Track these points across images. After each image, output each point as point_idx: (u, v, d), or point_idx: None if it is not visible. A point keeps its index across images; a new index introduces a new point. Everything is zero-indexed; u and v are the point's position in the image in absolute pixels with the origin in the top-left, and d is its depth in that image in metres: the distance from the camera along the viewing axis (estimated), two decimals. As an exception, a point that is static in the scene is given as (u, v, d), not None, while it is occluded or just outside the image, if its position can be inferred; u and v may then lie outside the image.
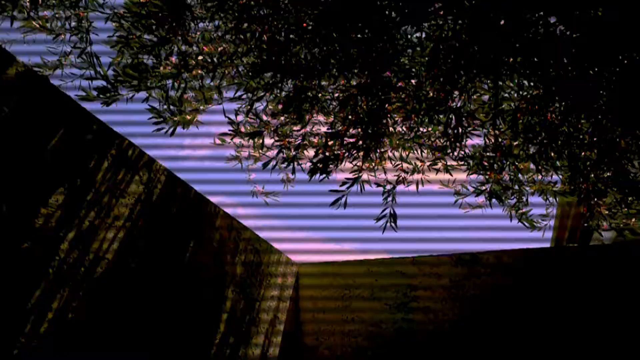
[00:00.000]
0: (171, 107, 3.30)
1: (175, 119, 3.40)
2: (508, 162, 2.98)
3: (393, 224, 3.06)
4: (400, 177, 3.40)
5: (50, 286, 2.63)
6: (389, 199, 3.30)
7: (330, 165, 3.07)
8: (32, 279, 2.53)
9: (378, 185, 3.30)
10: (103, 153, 3.05)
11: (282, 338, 5.06)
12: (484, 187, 3.22)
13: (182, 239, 3.69)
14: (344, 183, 3.16)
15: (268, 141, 3.81)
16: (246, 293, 4.50)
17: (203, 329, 3.86)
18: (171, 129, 3.37)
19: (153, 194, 3.41)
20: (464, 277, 5.08)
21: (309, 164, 3.70)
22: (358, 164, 3.17)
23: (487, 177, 3.13)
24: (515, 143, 2.92)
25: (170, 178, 3.58)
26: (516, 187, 3.24)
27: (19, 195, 2.51)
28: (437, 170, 3.38)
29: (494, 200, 3.22)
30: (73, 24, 3.03)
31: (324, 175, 3.13)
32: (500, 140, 2.92)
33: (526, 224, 3.46)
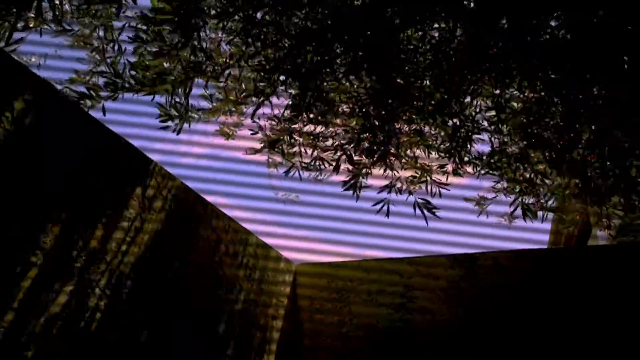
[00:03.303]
0: (179, 107, 3.30)
1: (184, 118, 3.39)
2: (519, 165, 2.98)
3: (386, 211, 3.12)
4: (414, 179, 3.41)
5: (42, 284, 2.60)
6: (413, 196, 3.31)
7: (361, 179, 3.10)
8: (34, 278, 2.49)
9: (410, 193, 3.33)
10: (101, 152, 3.02)
11: (280, 337, 5.05)
12: (516, 198, 3.24)
13: (178, 239, 3.66)
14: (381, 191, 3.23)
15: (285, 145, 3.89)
16: (244, 291, 4.48)
17: (202, 328, 3.84)
18: (178, 128, 3.37)
19: (149, 193, 3.38)
20: (461, 278, 5.09)
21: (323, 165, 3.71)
22: (386, 171, 3.19)
23: (504, 176, 3.13)
24: (520, 145, 2.92)
25: (167, 177, 3.55)
26: (536, 186, 3.25)
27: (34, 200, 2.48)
28: (447, 174, 3.39)
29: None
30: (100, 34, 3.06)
31: (356, 192, 3.19)
32: (505, 143, 2.92)
33: (529, 214, 3.49)
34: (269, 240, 5.03)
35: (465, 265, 5.11)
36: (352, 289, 5.38)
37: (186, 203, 3.74)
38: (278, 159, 4.02)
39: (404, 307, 5.15)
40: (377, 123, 2.74)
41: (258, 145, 3.92)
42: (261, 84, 3.01)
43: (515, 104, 3.02)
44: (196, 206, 3.88)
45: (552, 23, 3.22)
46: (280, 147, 3.67)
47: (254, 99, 3.19)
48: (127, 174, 3.17)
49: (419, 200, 3.15)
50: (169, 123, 3.34)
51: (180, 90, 3.03)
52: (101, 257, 2.93)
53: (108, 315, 2.94)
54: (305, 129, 3.46)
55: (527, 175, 3.23)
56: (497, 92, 2.91)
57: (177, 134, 3.38)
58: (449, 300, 5.02)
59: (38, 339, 2.50)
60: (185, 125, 3.40)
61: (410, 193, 3.30)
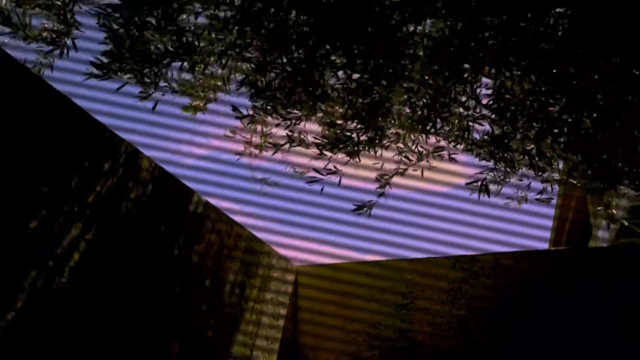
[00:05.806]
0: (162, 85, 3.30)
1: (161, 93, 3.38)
2: (512, 150, 3.00)
3: (368, 212, 3.14)
4: (401, 169, 3.42)
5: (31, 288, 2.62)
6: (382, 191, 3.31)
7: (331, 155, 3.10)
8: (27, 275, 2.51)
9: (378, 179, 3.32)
10: (98, 150, 3.05)
11: (281, 337, 5.04)
12: (479, 179, 3.26)
13: (178, 239, 3.68)
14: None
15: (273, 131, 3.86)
16: (244, 292, 4.48)
17: (200, 328, 3.84)
18: (155, 101, 3.37)
19: (147, 191, 3.40)
20: (463, 279, 5.09)
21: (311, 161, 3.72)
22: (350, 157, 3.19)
23: (487, 159, 3.15)
24: (517, 136, 2.95)
25: (165, 175, 3.57)
26: (519, 170, 3.26)
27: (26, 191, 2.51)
28: (441, 158, 3.40)
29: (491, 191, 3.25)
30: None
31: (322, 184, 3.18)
32: (503, 130, 2.94)
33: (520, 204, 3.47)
34: (270, 240, 5.05)
35: (467, 266, 5.11)
36: (354, 290, 5.38)
37: (185, 203, 3.77)
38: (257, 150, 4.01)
39: (406, 308, 5.14)
40: (367, 111, 2.77)
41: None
42: (252, 76, 3.03)
43: (515, 92, 3.05)
44: (197, 207, 3.90)
45: (551, 19, 3.26)
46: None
47: (243, 89, 3.22)
48: (124, 171, 3.21)
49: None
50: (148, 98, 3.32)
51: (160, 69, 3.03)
52: (96, 257, 2.95)
53: (106, 315, 2.96)
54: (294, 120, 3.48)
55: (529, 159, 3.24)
56: (496, 83, 2.94)
57: (153, 109, 3.38)
58: (450, 301, 5.02)
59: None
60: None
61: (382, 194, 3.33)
